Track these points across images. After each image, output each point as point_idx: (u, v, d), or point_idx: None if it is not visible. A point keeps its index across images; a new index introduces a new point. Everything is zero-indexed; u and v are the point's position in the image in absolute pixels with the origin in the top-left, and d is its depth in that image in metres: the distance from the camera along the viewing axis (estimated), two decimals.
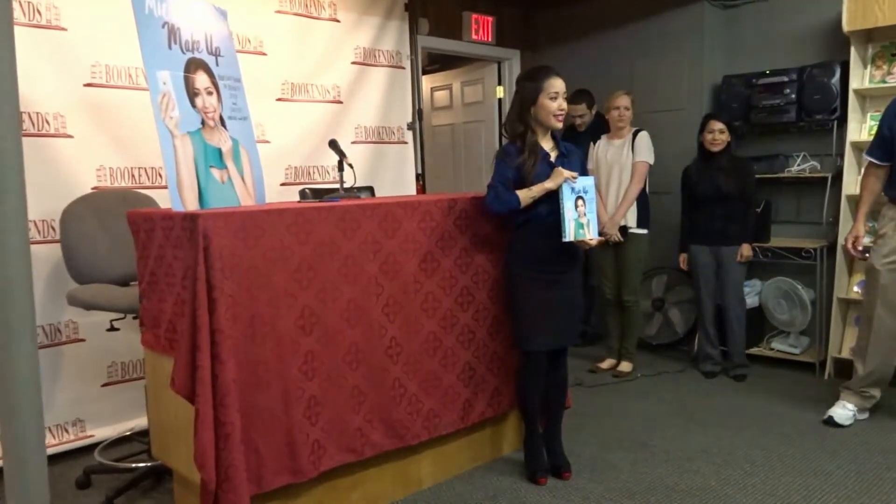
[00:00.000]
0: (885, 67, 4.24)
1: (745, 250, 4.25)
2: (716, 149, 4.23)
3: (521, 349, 2.97)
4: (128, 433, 3.41)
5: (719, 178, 4.22)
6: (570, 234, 2.79)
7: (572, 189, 2.79)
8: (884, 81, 4.21)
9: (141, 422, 3.26)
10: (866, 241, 3.54)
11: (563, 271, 2.92)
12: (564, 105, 2.85)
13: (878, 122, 3.51)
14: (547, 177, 2.81)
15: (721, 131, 4.21)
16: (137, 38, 2.39)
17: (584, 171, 2.94)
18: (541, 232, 2.85)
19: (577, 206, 2.80)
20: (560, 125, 2.90)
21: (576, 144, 3.27)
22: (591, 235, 2.84)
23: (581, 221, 2.81)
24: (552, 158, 2.89)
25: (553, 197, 2.80)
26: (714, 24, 4.93)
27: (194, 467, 2.21)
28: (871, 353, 3.46)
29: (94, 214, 3.16)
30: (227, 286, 2.22)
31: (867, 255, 3.49)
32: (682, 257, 4.47)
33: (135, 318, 2.80)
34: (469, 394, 2.99)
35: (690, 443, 3.38)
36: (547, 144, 2.91)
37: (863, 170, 3.64)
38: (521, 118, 2.87)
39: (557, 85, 2.83)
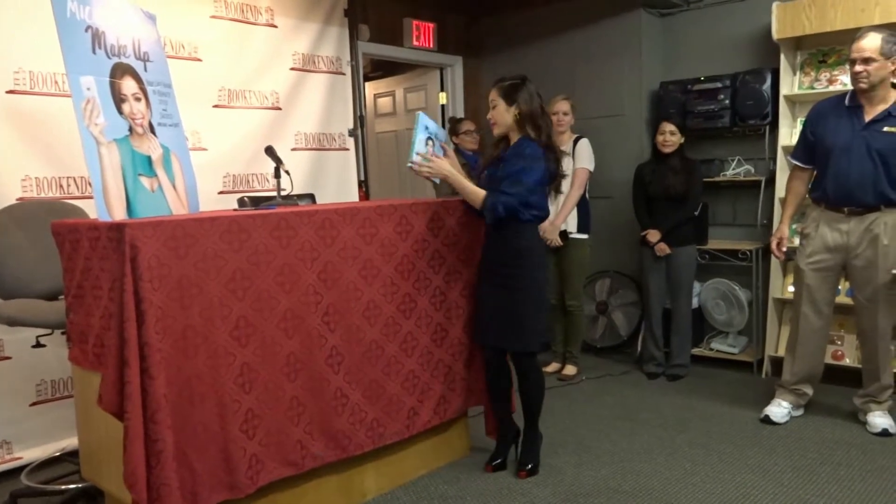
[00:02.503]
0: (812, 74, 4.38)
1: (652, 236, 4.34)
2: (667, 150, 4.31)
3: None
4: (58, 454, 3.27)
5: (669, 179, 4.29)
6: (415, 158, 2.94)
7: (426, 127, 2.99)
8: (812, 87, 4.35)
9: (72, 441, 3.13)
10: (796, 241, 3.64)
11: (498, 271, 2.95)
12: (491, 113, 3.00)
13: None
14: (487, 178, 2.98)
15: (672, 133, 4.29)
16: (59, 43, 2.30)
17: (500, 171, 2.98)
18: (488, 231, 3.02)
19: (426, 145, 2.98)
20: (494, 131, 3.04)
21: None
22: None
23: (428, 158, 2.95)
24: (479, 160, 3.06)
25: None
26: (651, 32, 5.03)
27: (125, 487, 2.12)
28: (799, 351, 3.56)
29: (19, 226, 3.02)
30: (156, 298, 2.14)
31: (793, 257, 3.59)
32: (649, 232, 4.39)
33: (63, 333, 2.69)
34: (414, 402, 2.96)
35: (634, 444, 3.41)
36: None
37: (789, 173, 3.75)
38: None
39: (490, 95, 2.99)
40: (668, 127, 4.30)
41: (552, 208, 4.32)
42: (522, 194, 2.82)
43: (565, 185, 4.33)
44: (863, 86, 3.21)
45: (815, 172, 3.51)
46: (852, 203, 3.31)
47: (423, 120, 2.98)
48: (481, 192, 2.87)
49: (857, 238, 3.31)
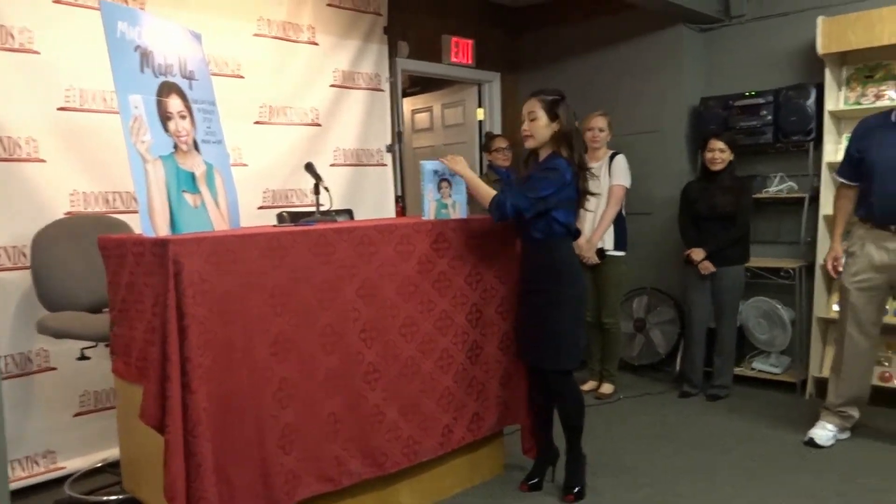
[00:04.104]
0: (859, 89, 4.29)
1: (696, 254, 4.26)
2: (716, 167, 4.24)
3: None
4: (99, 465, 3.32)
5: (718, 198, 4.22)
6: (429, 214, 2.99)
7: (434, 171, 2.98)
8: (858, 103, 4.26)
9: (113, 452, 3.17)
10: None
11: (534, 289, 2.93)
12: (527, 125, 2.92)
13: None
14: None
15: (721, 150, 4.22)
16: (109, 62, 2.36)
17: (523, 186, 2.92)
18: (524, 248, 3.01)
19: (440, 188, 2.98)
20: (526, 144, 2.97)
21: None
22: (457, 215, 3.03)
23: (445, 202, 2.97)
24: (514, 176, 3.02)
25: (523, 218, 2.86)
26: (692, 47, 4.98)
27: (165, 500, 2.15)
28: (844, 372, 3.47)
29: (67, 240, 3.11)
30: (198, 313, 2.17)
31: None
32: (693, 250, 4.31)
33: (107, 345, 2.74)
34: (449, 419, 2.94)
35: (674, 465, 3.35)
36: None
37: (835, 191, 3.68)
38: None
39: (524, 106, 2.95)
40: (718, 144, 4.23)
41: (587, 224, 4.30)
42: (534, 200, 2.77)
43: (593, 202, 4.30)
44: None
45: (861, 189, 3.43)
46: None
47: (427, 167, 3.01)
48: (492, 192, 2.85)
49: None
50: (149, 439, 2.30)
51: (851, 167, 3.44)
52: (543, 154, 2.93)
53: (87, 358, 2.95)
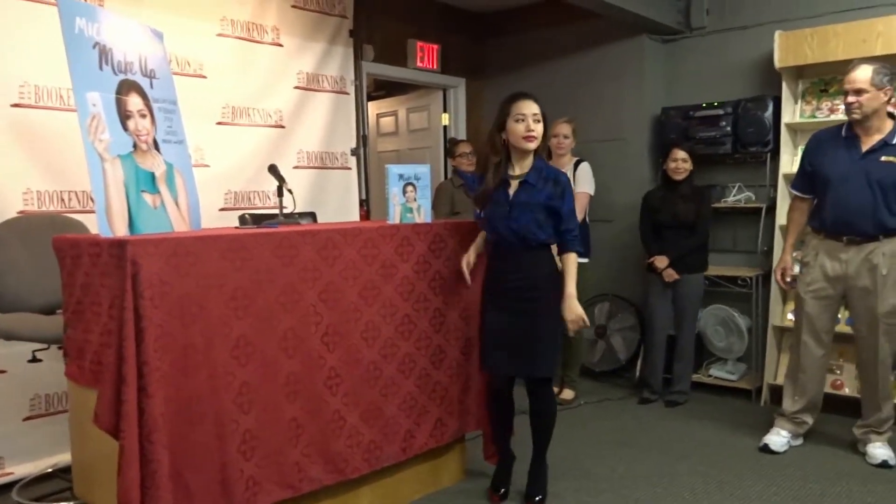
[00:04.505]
0: (814, 103, 4.41)
1: (660, 262, 4.31)
2: (679, 177, 4.31)
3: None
4: (50, 470, 3.23)
5: (679, 206, 4.29)
6: (394, 217, 2.97)
7: (400, 175, 2.96)
8: (813, 116, 4.38)
9: (64, 458, 3.10)
10: (796, 270, 3.65)
11: (529, 297, 2.85)
12: (535, 126, 2.78)
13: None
14: (495, 204, 2.83)
15: (684, 160, 4.30)
16: (66, 58, 2.30)
17: (553, 200, 2.82)
18: (493, 253, 2.95)
19: (405, 192, 2.96)
20: (531, 146, 2.80)
21: None
22: (422, 219, 3.00)
23: (410, 206, 2.98)
24: (511, 187, 2.83)
25: (496, 216, 2.84)
26: (654, 57, 5.06)
27: None
28: (800, 379, 3.55)
29: (20, 239, 3.01)
30: (156, 316, 2.12)
31: (795, 284, 3.60)
32: (657, 258, 4.36)
33: (60, 348, 2.67)
34: (411, 424, 2.93)
35: (633, 470, 3.38)
36: (520, 169, 2.86)
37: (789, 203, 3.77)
38: (491, 143, 2.89)
39: (524, 107, 2.79)
40: (681, 154, 4.31)
41: None
42: (573, 216, 2.88)
43: None
44: (856, 116, 3.24)
45: (814, 202, 3.52)
46: (851, 232, 3.32)
47: (393, 171, 3.01)
48: (573, 265, 2.84)
49: (856, 267, 3.32)
50: (102, 444, 2.24)
51: (805, 180, 3.54)
52: (527, 157, 2.86)
53: (39, 360, 2.87)
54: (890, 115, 3.31)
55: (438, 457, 3.17)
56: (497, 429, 3.14)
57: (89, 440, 2.38)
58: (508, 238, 2.83)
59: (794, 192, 3.62)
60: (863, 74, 3.20)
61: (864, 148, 3.29)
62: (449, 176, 5.14)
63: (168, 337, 2.16)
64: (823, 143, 3.46)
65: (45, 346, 2.82)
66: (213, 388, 2.28)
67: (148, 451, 2.10)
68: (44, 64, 3.24)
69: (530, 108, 2.80)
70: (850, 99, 3.23)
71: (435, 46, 5.47)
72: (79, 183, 3.36)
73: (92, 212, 3.29)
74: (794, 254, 3.66)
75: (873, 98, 3.19)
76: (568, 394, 4.53)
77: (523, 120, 2.78)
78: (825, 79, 4.35)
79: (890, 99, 3.25)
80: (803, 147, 3.69)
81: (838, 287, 3.40)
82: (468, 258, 2.98)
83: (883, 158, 3.24)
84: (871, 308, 3.32)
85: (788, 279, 3.62)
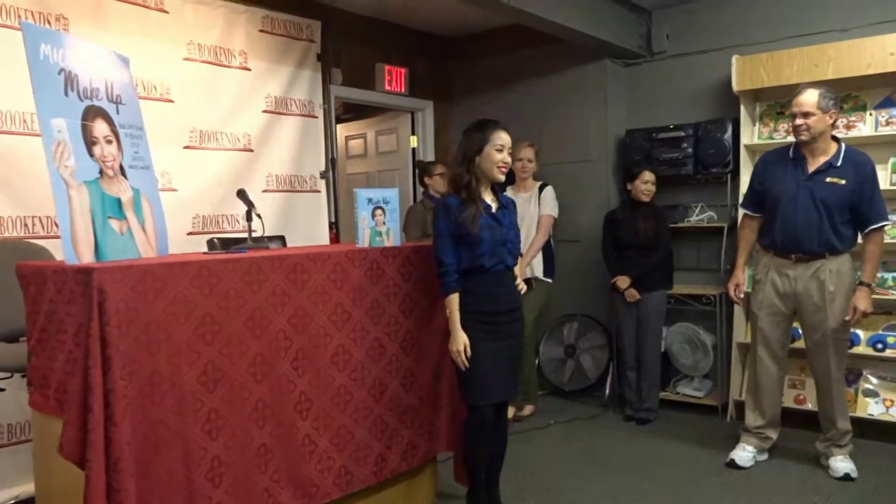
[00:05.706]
0: (771, 125, 4.54)
1: (622, 282, 4.39)
2: (647, 198, 4.42)
3: (469, 404, 2.88)
4: (12, 502, 3.16)
5: (640, 225, 4.39)
6: (363, 241, 2.97)
7: (369, 199, 2.97)
8: (771, 137, 4.50)
9: (27, 489, 3.03)
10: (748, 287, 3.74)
11: (518, 317, 2.92)
12: (508, 159, 2.85)
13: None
14: (489, 228, 2.79)
15: (653, 182, 4.43)
16: (31, 85, 2.29)
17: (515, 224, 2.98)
18: (479, 279, 2.82)
19: (374, 216, 2.98)
20: (502, 177, 2.86)
21: None
22: (391, 243, 3.01)
23: (379, 230, 3.01)
24: (493, 210, 2.86)
25: (494, 239, 2.80)
26: (617, 81, 5.16)
27: None
28: (759, 395, 3.64)
29: None
30: (123, 343, 2.11)
31: (747, 300, 3.70)
32: (619, 279, 4.44)
33: (23, 376, 2.62)
34: (382, 448, 2.93)
35: (601, 489, 3.41)
36: (488, 196, 2.89)
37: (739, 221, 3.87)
38: (466, 168, 2.83)
39: (504, 138, 2.83)
40: (650, 176, 4.44)
41: None
42: None
43: (523, 231, 4.34)
44: (804, 138, 3.36)
45: (762, 220, 3.63)
46: (799, 250, 3.42)
47: (362, 195, 3.00)
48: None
49: (805, 284, 3.42)
50: (67, 474, 2.20)
51: (754, 199, 3.65)
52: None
53: (2, 389, 2.82)
54: (834, 137, 3.43)
55: (410, 479, 3.16)
56: (482, 461, 2.94)
57: (54, 470, 2.34)
58: (506, 260, 2.86)
59: (745, 211, 3.74)
60: (810, 98, 3.32)
61: (811, 169, 3.40)
62: (419, 198, 5.17)
63: (135, 364, 2.14)
64: (771, 163, 3.57)
65: (8, 374, 2.77)
66: (180, 415, 2.26)
67: (114, 480, 2.07)
68: (8, 88, 3.21)
69: (507, 140, 2.86)
70: (798, 121, 3.35)
71: (402, 70, 5.52)
72: (43, 208, 3.33)
73: (57, 237, 3.25)
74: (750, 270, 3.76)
75: (819, 121, 3.31)
76: (527, 409, 4.60)
77: (501, 150, 2.83)
78: (781, 101, 4.49)
79: (835, 122, 3.38)
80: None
81: (789, 304, 3.49)
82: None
83: (828, 179, 3.36)
84: (820, 324, 3.41)
85: (742, 294, 3.71)
